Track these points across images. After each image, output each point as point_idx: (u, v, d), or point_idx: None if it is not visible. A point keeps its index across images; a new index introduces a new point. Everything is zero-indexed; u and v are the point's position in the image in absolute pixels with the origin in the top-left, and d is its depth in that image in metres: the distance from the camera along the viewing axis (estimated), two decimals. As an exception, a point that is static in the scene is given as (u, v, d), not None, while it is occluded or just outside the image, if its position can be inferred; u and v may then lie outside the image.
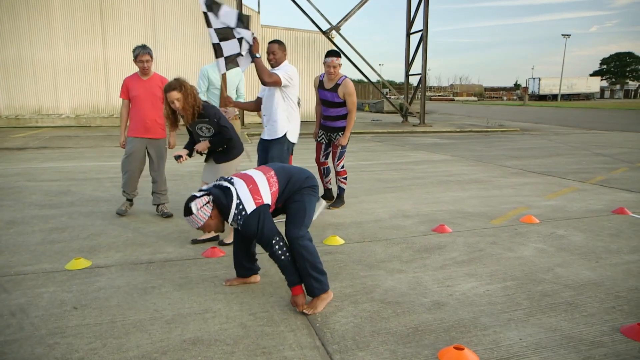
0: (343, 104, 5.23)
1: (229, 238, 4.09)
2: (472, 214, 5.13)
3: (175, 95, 3.64)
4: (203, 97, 5.01)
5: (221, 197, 2.72)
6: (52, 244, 4.09)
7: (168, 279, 3.30)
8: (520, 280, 3.29)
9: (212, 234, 4.22)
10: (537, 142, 13.43)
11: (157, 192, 5.04)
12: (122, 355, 2.30)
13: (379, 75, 19.56)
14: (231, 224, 2.75)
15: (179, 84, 3.66)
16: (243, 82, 5.35)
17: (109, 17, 16.98)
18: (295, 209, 2.84)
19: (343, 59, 12.66)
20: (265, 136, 4.53)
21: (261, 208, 2.68)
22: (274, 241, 2.70)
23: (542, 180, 7.26)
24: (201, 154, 3.92)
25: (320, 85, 5.34)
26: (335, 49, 5.48)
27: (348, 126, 5.29)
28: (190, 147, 3.97)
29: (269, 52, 4.34)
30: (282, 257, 2.72)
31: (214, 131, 3.84)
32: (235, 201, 2.67)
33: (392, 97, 29.61)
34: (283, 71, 4.26)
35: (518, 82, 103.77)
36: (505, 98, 79.10)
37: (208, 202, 2.71)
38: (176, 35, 17.86)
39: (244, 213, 2.64)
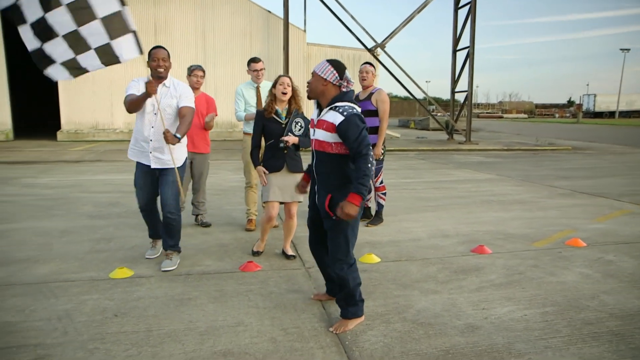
0: (376, 112, 5.21)
1: (259, 246, 4.26)
2: (514, 236, 4.97)
3: (287, 80, 4.02)
4: (242, 115, 5.13)
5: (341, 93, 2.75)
6: (98, 253, 4.29)
7: (204, 291, 3.38)
8: (561, 306, 3.15)
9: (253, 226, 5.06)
10: (590, 161, 12.86)
11: (196, 202, 5.27)
12: (155, 364, 2.38)
13: (424, 92, 19.41)
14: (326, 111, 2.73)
15: (290, 80, 4.08)
16: None
17: (163, 35, 17.81)
18: (334, 223, 2.76)
19: (389, 77, 12.42)
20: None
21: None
22: (370, 151, 2.62)
23: (593, 202, 6.94)
24: (285, 148, 3.99)
25: (356, 99, 5.38)
26: (367, 61, 5.48)
27: (380, 137, 5.22)
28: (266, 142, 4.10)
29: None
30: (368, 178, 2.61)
31: (304, 132, 3.99)
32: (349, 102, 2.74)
33: (438, 114, 29.23)
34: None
35: (571, 99, 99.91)
36: (557, 115, 76.27)
37: (335, 76, 2.73)
38: (225, 54, 18.48)
39: (354, 110, 2.67)
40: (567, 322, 2.90)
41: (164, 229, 3.92)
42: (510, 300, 3.25)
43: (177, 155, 3.82)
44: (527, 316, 2.99)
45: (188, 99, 3.80)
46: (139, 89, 3.66)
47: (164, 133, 3.50)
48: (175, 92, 3.78)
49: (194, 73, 5.09)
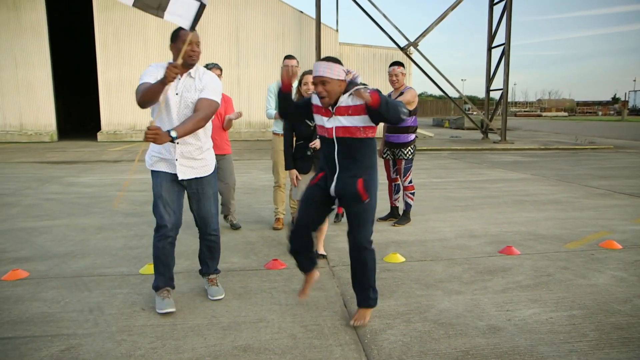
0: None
1: (320, 248, 4.23)
2: (545, 237, 4.85)
3: (311, 78, 3.94)
4: (272, 113, 5.21)
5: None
6: (131, 249, 4.46)
7: (229, 287, 3.46)
8: (590, 309, 3.06)
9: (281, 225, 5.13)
10: (632, 160, 12.34)
11: (225, 203, 5.32)
12: (178, 356, 2.46)
13: (458, 91, 19.10)
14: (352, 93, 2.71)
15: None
16: None
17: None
18: (363, 209, 2.79)
19: (422, 76, 12.34)
20: None
21: None
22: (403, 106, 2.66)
23: (633, 202, 6.67)
24: (312, 152, 4.03)
25: None
26: (398, 60, 5.43)
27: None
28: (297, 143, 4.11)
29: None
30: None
31: None
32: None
33: (474, 113, 28.68)
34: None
35: (616, 96, 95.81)
36: (600, 113, 73.32)
37: (346, 73, 2.76)
38: (258, 54, 18.73)
39: (371, 87, 2.70)
40: (595, 326, 2.82)
41: (207, 253, 3.30)
42: (536, 302, 3.18)
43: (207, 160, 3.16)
44: (552, 319, 2.92)
45: (211, 91, 2.99)
46: (157, 77, 2.85)
47: (148, 128, 2.64)
48: (200, 84, 3.00)
49: (213, 72, 5.12)
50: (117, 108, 18.48)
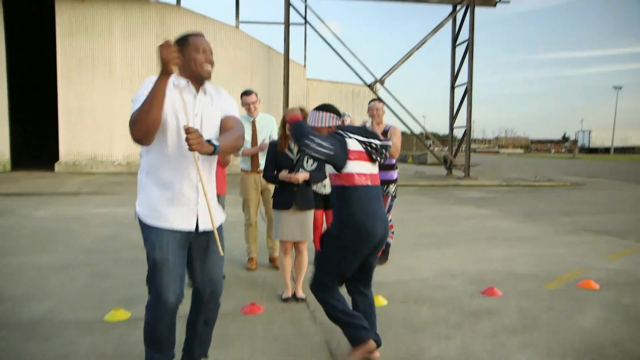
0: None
1: (287, 293, 4.01)
2: (524, 276, 4.83)
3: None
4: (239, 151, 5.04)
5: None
6: (94, 290, 4.13)
7: (205, 334, 3.21)
8: (583, 353, 3.00)
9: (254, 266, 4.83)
10: (591, 197, 12.81)
11: None
12: (154, 419, 2.20)
13: (422, 127, 19.55)
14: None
15: (301, 109, 3.82)
16: (275, 130, 5.07)
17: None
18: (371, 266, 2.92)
19: (387, 111, 12.54)
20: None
21: None
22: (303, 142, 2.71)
23: (600, 239, 6.83)
24: (296, 186, 3.88)
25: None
26: (362, 96, 5.47)
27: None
28: (277, 177, 3.95)
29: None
30: None
31: (317, 166, 3.91)
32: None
33: (436, 148, 29.41)
34: None
35: (567, 135, 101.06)
36: (553, 151, 77.03)
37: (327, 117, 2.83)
38: (227, 87, 18.56)
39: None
40: (590, 372, 2.74)
41: (202, 330, 2.57)
42: (527, 347, 3.09)
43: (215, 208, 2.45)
44: (547, 365, 2.83)
45: (236, 109, 2.49)
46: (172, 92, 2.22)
47: (187, 130, 2.00)
48: (220, 99, 2.42)
49: (244, 100, 4.89)
50: (77, 138, 17.82)
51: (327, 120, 2.73)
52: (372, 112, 5.21)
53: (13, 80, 18.06)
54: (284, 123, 3.95)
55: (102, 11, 17.48)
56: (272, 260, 5.06)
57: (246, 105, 4.93)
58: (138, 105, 2.07)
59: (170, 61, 2.00)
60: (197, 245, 2.40)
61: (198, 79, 2.31)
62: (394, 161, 5.19)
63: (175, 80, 2.25)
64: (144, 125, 2.04)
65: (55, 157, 18.25)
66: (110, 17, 17.55)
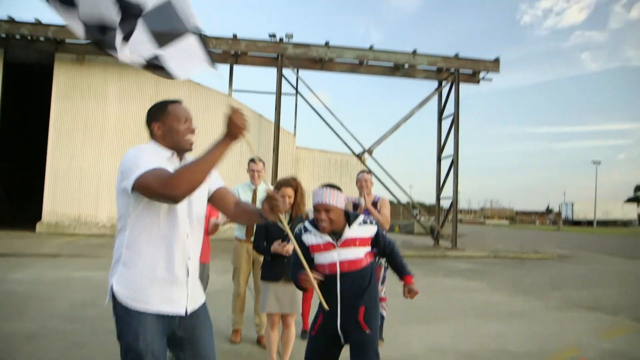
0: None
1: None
2: (517, 355, 4.68)
3: (289, 191, 3.83)
4: None
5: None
6: (68, 364, 3.89)
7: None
8: None
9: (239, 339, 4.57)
10: (578, 270, 12.78)
11: None
12: None
13: (409, 196, 19.76)
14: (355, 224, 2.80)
15: (295, 183, 3.89)
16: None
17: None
18: (366, 339, 2.74)
19: (375, 180, 12.67)
20: None
21: None
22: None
23: (591, 315, 6.72)
24: (287, 258, 3.75)
25: (354, 207, 5.29)
26: (352, 165, 5.53)
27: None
28: (269, 249, 3.83)
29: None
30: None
31: None
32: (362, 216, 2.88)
33: (422, 218, 29.54)
34: None
35: (550, 207, 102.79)
36: (538, 222, 77.86)
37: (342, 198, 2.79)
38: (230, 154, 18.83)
39: (375, 221, 2.84)
40: None
41: None
42: None
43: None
44: None
45: (221, 179, 2.38)
46: (159, 162, 2.02)
47: (270, 196, 2.07)
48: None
49: (250, 166, 4.90)
50: (61, 198, 17.60)
51: (342, 201, 2.75)
52: (360, 184, 5.20)
53: (3, 138, 18.09)
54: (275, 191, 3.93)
55: (99, 74, 17.92)
56: (259, 339, 4.83)
57: (251, 172, 4.97)
58: (157, 168, 1.93)
59: (243, 128, 1.96)
60: (182, 332, 2.11)
61: (180, 150, 2.19)
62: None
63: (160, 150, 2.15)
64: (196, 182, 1.88)
65: (38, 216, 17.92)
66: (106, 80, 17.98)
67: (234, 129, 1.93)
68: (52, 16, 18.28)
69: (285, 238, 3.79)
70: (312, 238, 2.79)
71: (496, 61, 18.42)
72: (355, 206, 5.23)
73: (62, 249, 12.49)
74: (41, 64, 17.92)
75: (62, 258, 10.84)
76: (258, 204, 4.88)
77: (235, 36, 17.01)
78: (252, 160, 5.08)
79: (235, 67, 18.57)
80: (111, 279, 2.06)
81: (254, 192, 5.01)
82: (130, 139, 17.50)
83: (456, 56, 18.16)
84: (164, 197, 1.91)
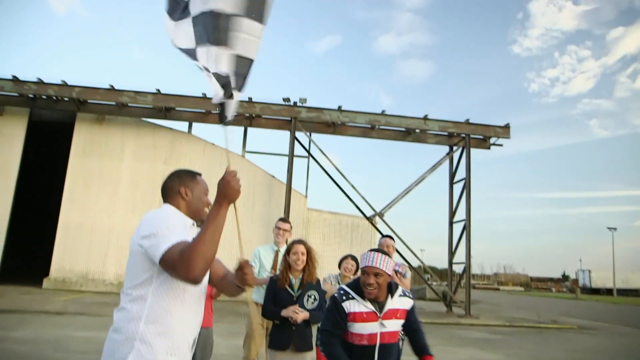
0: None
1: None
2: None
3: (302, 248, 3.75)
4: None
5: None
6: None
7: None
8: None
9: None
10: (600, 343, 12.17)
11: None
12: None
13: (420, 261, 19.41)
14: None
15: (306, 242, 3.85)
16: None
17: (169, 192, 18.37)
18: None
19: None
20: None
21: None
22: None
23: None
24: (293, 326, 3.61)
25: None
26: (389, 233, 5.38)
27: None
28: (278, 313, 3.68)
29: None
30: None
31: (317, 305, 3.72)
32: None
33: (434, 283, 28.85)
34: None
35: (566, 273, 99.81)
36: (554, 289, 75.44)
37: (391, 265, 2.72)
38: (243, 214, 18.87)
39: (411, 294, 2.76)
40: None
41: None
42: None
43: None
44: None
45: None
46: (188, 234, 1.98)
47: (242, 266, 2.09)
48: None
49: (278, 225, 4.79)
50: (71, 253, 17.58)
51: (390, 268, 2.70)
52: (384, 249, 5.07)
53: (21, 193, 18.41)
54: (287, 255, 3.87)
55: (117, 133, 18.46)
56: None
57: (277, 229, 4.89)
58: (182, 240, 1.86)
59: (239, 191, 1.94)
60: None
61: (197, 220, 2.20)
62: None
63: (183, 217, 2.14)
64: (210, 257, 1.83)
65: (46, 272, 17.83)
66: (123, 139, 18.49)
67: (230, 191, 1.91)
68: (76, 77, 19.09)
69: (297, 303, 3.68)
70: (354, 305, 2.64)
71: (506, 127, 18.66)
72: None
73: (66, 306, 12.30)
74: (63, 122, 18.56)
75: (66, 316, 10.64)
76: (278, 268, 4.75)
77: (250, 99, 17.57)
78: (281, 220, 5.02)
79: (249, 129, 19.03)
80: (124, 356, 1.88)
81: (276, 254, 4.86)
82: (143, 198, 17.70)
83: (467, 122, 18.47)
84: (186, 281, 1.85)
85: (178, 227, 1.95)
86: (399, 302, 2.69)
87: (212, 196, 2.11)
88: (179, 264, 1.79)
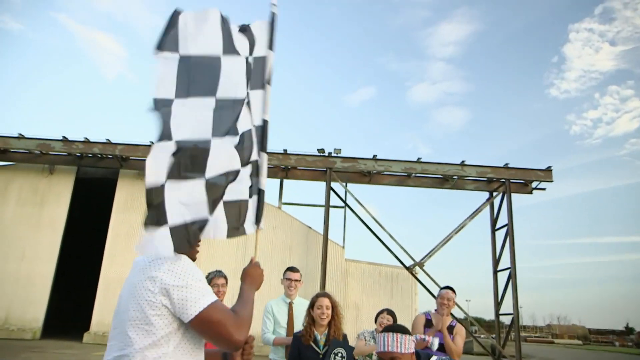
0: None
1: None
2: None
3: (326, 302, 3.57)
4: (270, 338, 4.65)
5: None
6: None
7: None
8: None
9: None
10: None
11: None
12: None
13: (465, 312, 18.43)
14: None
15: (331, 295, 3.68)
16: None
17: (204, 245, 18.51)
18: None
19: (428, 296, 11.83)
20: None
21: None
22: None
23: None
24: None
25: (428, 325, 4.61)
26: (440, 284, 5.01)
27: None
28: None
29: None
30: None
31: None
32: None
33: (482, 336, 27.29)
34: None
35: (630, 325, 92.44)
36: (617, 343, 69.76)
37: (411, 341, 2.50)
38: (265, 265, 18.62)
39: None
40: None
41: None
42: None
43: None
44: None
45: None
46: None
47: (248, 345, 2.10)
48: None
49: (214, 282, 4.21)
50: (111, 308, 17.40)
51: (409, 346, 2.47)
52: (442, 301, 4.59)
53: (66, 249, 19.02)
54: (310, 309, 3.67)
55: (158, 188, 18.98)
56: None
57: (288, 281, 4.64)
58: (214, 297, 1.83)
59: (262, 278, 2.23)
60: None
61: (192, 259, 2.06)
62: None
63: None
64: (248, 330, 1.91)
65: (87, 327, 18.02)
66: (163, 194, 18.95)
67: (260, 279, 2.19)
68: (119, 136, 19.99)
69: None
70: None
71: (548, 170, 18.00)
72: (429, 323, 4.61)
73: (103, 363, 12.25)
74: (107, 178, 19.32)
75: (101, 374, 10.56)
76: (296, 322, 4.53)
77: (285, 151, 17.81)
78: (289, 269, 4.74)
79: (285, 181, 19.17)
80: None
81: (290, 308, 4.61)
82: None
83: (506, 166, 17.95)
84: (228, 343, 1.79)
85: (204, 282, 1.86)
86: None
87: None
88: (231, 326, 1.76)
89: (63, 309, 25.16)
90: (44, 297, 17.82)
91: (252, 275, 2.11)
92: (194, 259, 2.03)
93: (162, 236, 1.90)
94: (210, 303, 1.77)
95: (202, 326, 1.75)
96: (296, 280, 4.65)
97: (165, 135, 1.94)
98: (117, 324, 1.85)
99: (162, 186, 1.91)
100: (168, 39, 2.05)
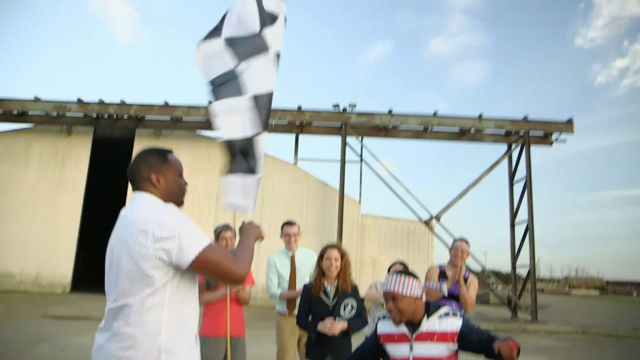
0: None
1: None
2: None
3: (335, 253, 3.55)
4: (276, 293, 4.58)
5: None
6: None
7: None
8: None
9: None
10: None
11: None
12: None
13: (482, 265, 18.57)
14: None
15: (339, 246, 3.65)
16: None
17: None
18: None
19: (445, 250, 11.84)
20: None
21: None
22: None
23: None
24: (329, 341, 3.44)
25: (442, 276, 4.63)
26: (425, 231, 5.02)
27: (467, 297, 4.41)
28: (314, 325, 3.50)
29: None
30: None
31: (355, 313, 3.52)
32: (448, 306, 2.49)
33: (499, 287, 27.57)
34: None
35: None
36: (635, 294, 69.97)
37: (422, 286, 2.48)
38: (280, 220, 18.96)
39: (461, 314, 2.40)
40: None
41: None
42: None
43: None
44: None
45: None
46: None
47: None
48: None
49: (222, 235, 4.09)
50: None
51: (416, 290, 2.42)
52: (456, 252, 4.54)
53: (86, 207, 19.47)
54: (320, 261, 3.69)
55: (173, 146, 18.94)
56: None
57: (287, 236, 4.68)
58: (209, 240, 1.90)
59: (261, 232, 2.30)
60: None
61: (178, 205, 2.13)
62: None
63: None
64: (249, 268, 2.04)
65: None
66: (179, 152, 18.86)
67: (256, 230, 2.24)
68: (134, 96, 20.02)
69: (330, 314, 3.48)
70: (386, 326, 2.48)
71: (569, 122, 17.54)
72: (443, 275, 4.62)
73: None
74: (124, 138, 19.49)
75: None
76: (298, 274, 4.54)
77: (300, 107, 17.64)
78: (286, 224, 4.74)
79: (301, 136, 19.10)
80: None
81: (292, 260, 4.65)
82: (201, 211, 18.15)
83: (525, 119, 17.55)
84: (230, 278, 1.91)
85: (195, 227, 1.91)
86: (439, 323, 2.37)
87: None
88: (229, 262, 1.86)
89: (90, 264, 26.04)
90: (71, 255, 18.45)
91: (249, 227, 2.22)
92: (181, 204, 2.13)
93: (252, 184, 2.63)
94: (205, 246, 1.84)
95: (201, 268, 1.86)
96: (294, 234, 4.66)
97: (241, 92, 2.73)
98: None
99: (252, 138, 2.62)
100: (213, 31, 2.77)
